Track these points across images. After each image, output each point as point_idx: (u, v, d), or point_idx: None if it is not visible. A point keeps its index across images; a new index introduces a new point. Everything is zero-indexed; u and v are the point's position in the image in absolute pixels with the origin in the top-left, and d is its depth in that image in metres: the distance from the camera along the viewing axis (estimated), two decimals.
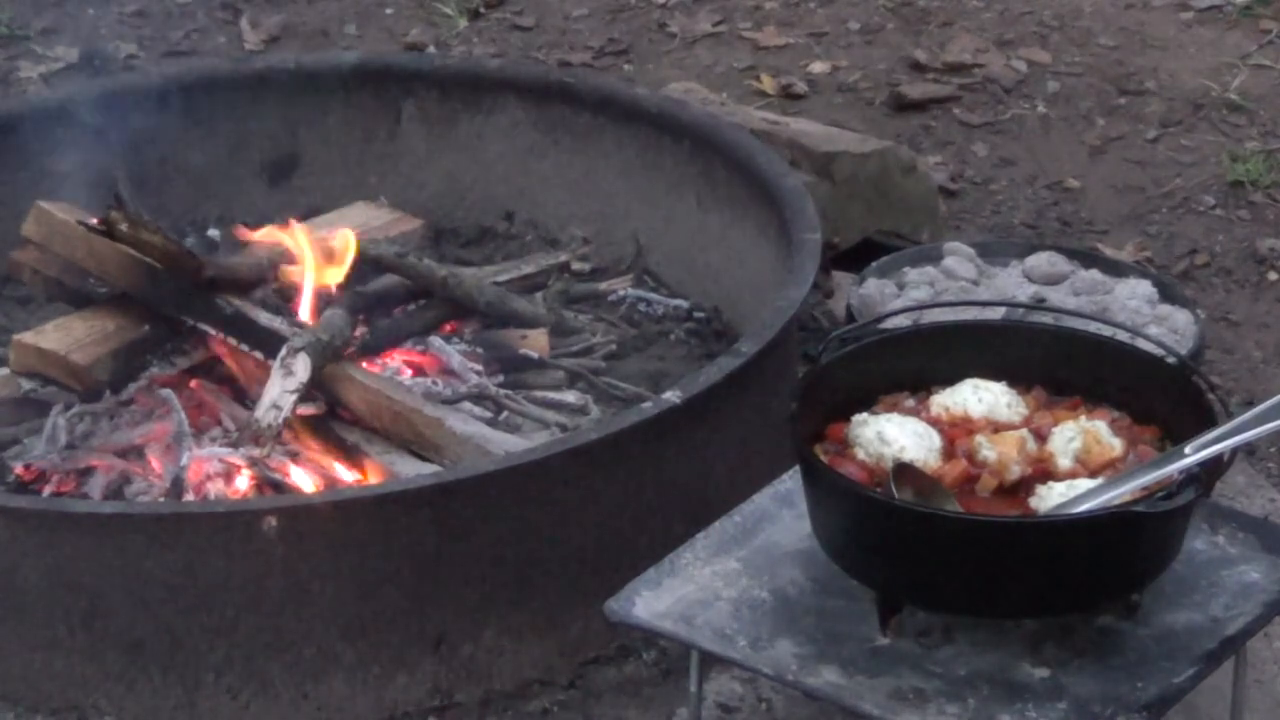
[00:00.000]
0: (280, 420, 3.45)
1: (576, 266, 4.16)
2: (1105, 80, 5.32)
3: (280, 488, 3.42)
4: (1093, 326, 3.06)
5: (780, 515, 2.92)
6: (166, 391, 3.62)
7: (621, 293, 4.14)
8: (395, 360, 3.80)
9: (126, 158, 4.10)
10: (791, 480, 2.94)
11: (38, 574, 3.19)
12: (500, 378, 3.79)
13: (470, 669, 3.26)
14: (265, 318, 3.66)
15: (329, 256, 3.73)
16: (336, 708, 3.22)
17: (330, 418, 3.61)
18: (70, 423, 3.59)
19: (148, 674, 3.20)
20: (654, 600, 2.78)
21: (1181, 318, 3.79)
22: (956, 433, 2.82)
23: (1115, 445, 2.78)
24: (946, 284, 3.92)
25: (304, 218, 4.19)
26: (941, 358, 2.94)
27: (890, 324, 3.15)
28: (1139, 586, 2.70)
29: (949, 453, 2.79)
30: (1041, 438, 2.81)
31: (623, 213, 4.26)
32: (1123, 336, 3.09)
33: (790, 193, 3.82)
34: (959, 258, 3.98)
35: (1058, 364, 2.93)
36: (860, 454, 2.78)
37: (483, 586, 3.23)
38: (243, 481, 3.42)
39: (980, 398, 2.86)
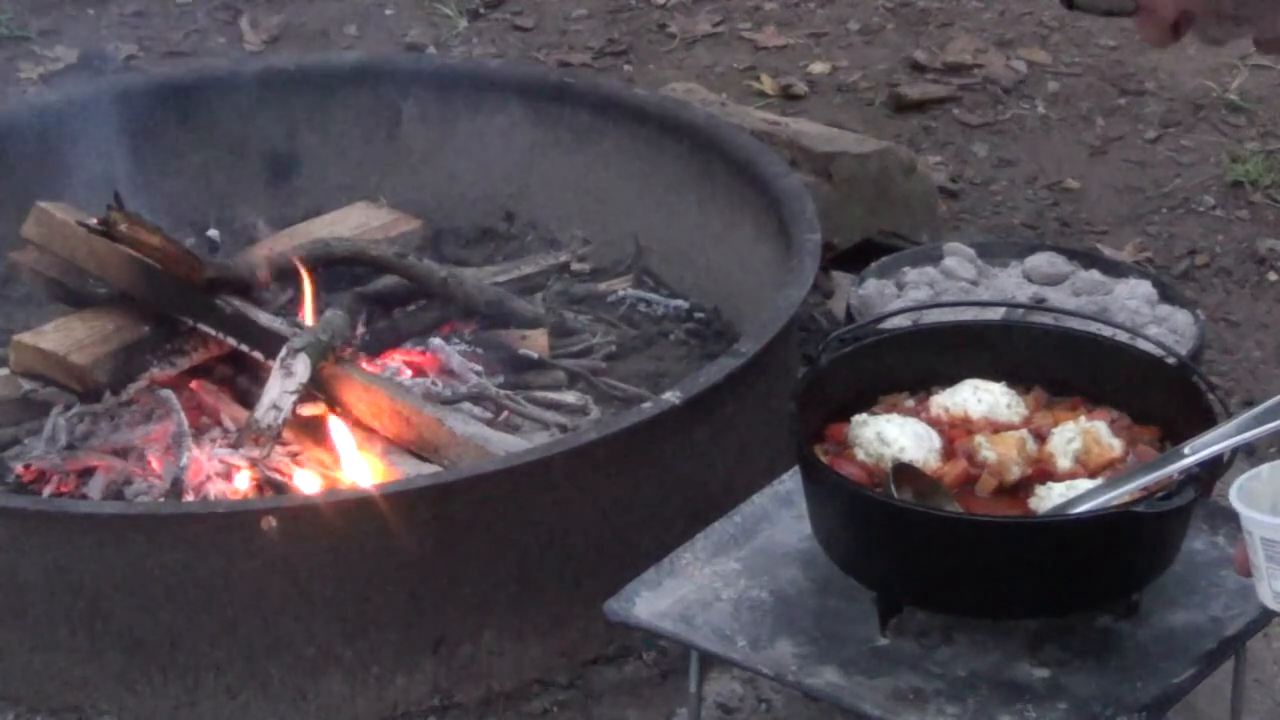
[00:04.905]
0: (280, 420, 3.45)
1: (576, 267, 4.16)
2: (1105, 80, 5.32)
3: (280, 488, 3.43)
4: (1093, 326, 3.05)
5: (780, 515, 2.92)
6: (166, 392, 3.62)
7: (621, 293, 4.14)
8: (395, 360, 3.80)
9: (126, 158, 4.10)
10: (791, 480, 2.94)
11: (38, 574, 3.19)
12: (500, 378, 3.79)
13: (470, 669, 3.26)
14: (265, 318, 3.66)
15: None
16: (336, 708, 3.22)
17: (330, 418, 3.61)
18: (70, 423, 3.59)
19: (148, 674, 3.20)
20: (654, 600, 2.77)
21: (1181, 318, 3.79)
22: (956, 433, 2.82)
23: (1115, 445, 2.78)
24: (946, 284, 3.92)
25: (304, 218, 4.20)
26: (941, 358, 2.94)
27: (890, 324, 3.15)
28: (1139, 586, 2.70)
29: (949, 453, 2.79)
30: (1041, 438, 2.81)
31: (623, 213, 4.26)
32: (1123, 336, 3.09)
33: (790, 193, 3.82)
34: (959, 258, 3.98)
35: (1058, 364, 2.93)
36: (860, 454, 2.77)
37: (483, 586, 3.23)
38: (243, 481, 3.42)
39: (980, 398, 2.86)
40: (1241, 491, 2.36)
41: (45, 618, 3.21)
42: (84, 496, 3.47)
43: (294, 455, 3.52)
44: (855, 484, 2.69)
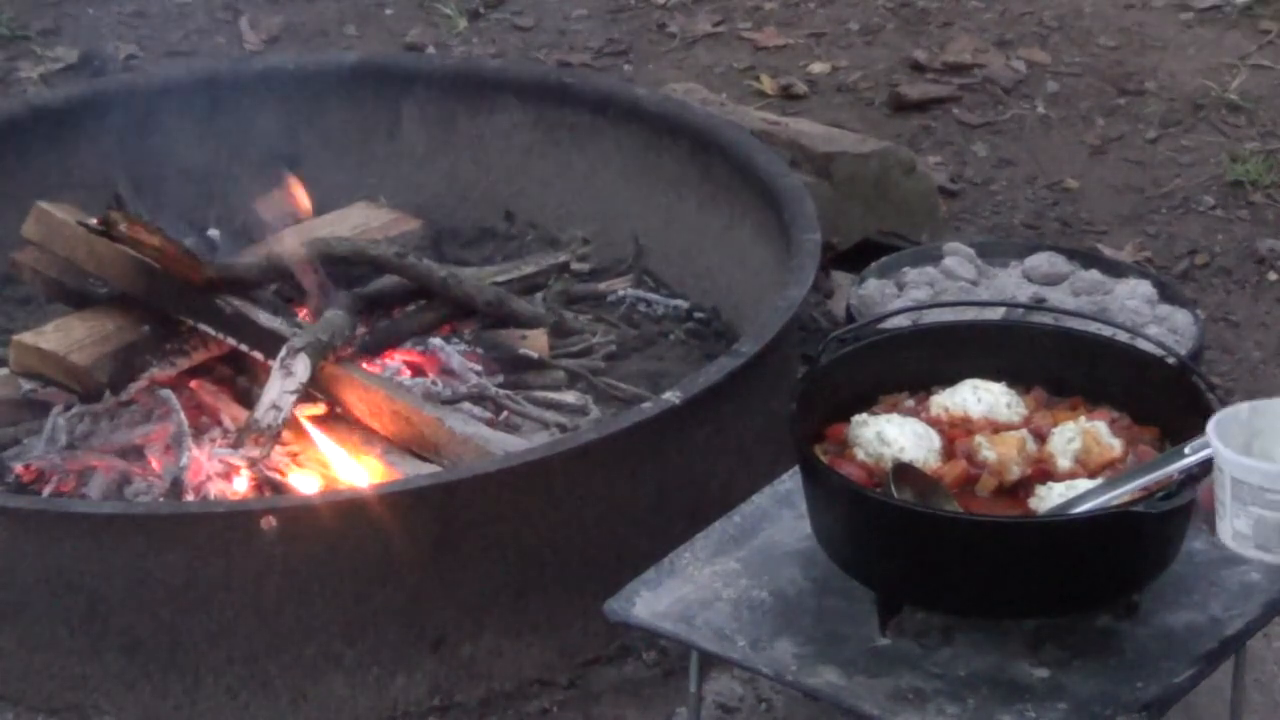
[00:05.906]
0: (280, 420, 3.45)
1: (576, 266, 4.16)
2: (1105, 80, 5.32)
3: (280, 488, 3.43)
4: (1093, 326, 3.05)
5: (780, 515, 2.92)
6: (166, 392, 3.62)
7: (621, 293, 4.14)
8: (395, 360, 3.80)
9: (126, 158, 4.10)
10: (791, 480, 2.94)
11: (38, 574, 3.19)
12: (500, 378, 3.79)
13: (470, 669, 3.26)
14: (265, 318, 3.66)
15: None
16: (336, 708, 3.22)
17: (330, 418, 3.61)
18: (70, 423, 3.59)
19: (148, 674, 3.20)
20: (654, 600, 2.78)
21: (1181, 318, 3.79)
22: (956, 433, 2.82)
23: (1115, 445, 2.78)
24: (946, 284, 3.92)
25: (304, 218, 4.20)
26: (941, 358, 2.94)
27: (890, 324, 3.15)
28: (1139, 586, 2.70)
29: (949, 453, 2.79)
30: (1041, 438, 2.81)
31: (623, 213, 4.26)
32: (1123, 336, 3.09)
33: (790, 193, 3.82)
34: (959, 258, 3.98)
35: (1058, 364, 2.93)
36: (860, 454, 2.77)
37: (483, 586, 3.23)
38: (242, 481, 3.42)
39: (980, 398, 2.86)
40: (1219, 427, 2.39)
41: (45, 618, 3.21)
42: (84, 496, 3.47)
43: (294, 455, 3.52)
44: (855, 484, 2.69)
